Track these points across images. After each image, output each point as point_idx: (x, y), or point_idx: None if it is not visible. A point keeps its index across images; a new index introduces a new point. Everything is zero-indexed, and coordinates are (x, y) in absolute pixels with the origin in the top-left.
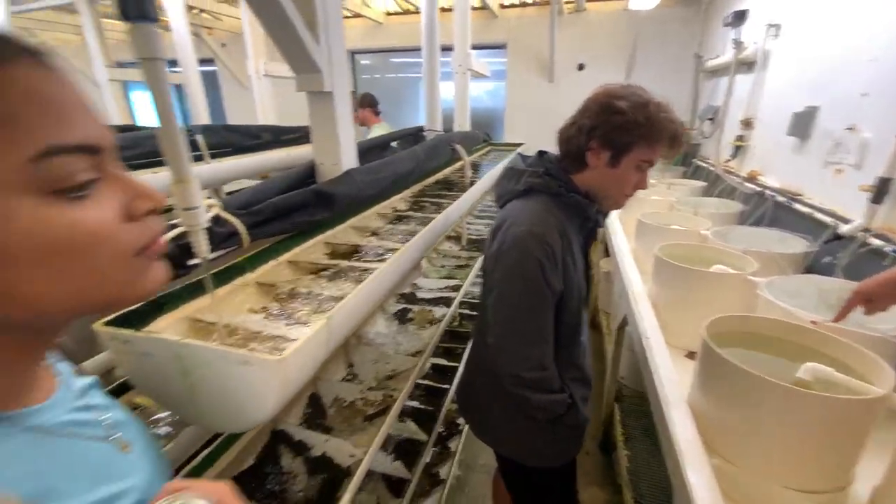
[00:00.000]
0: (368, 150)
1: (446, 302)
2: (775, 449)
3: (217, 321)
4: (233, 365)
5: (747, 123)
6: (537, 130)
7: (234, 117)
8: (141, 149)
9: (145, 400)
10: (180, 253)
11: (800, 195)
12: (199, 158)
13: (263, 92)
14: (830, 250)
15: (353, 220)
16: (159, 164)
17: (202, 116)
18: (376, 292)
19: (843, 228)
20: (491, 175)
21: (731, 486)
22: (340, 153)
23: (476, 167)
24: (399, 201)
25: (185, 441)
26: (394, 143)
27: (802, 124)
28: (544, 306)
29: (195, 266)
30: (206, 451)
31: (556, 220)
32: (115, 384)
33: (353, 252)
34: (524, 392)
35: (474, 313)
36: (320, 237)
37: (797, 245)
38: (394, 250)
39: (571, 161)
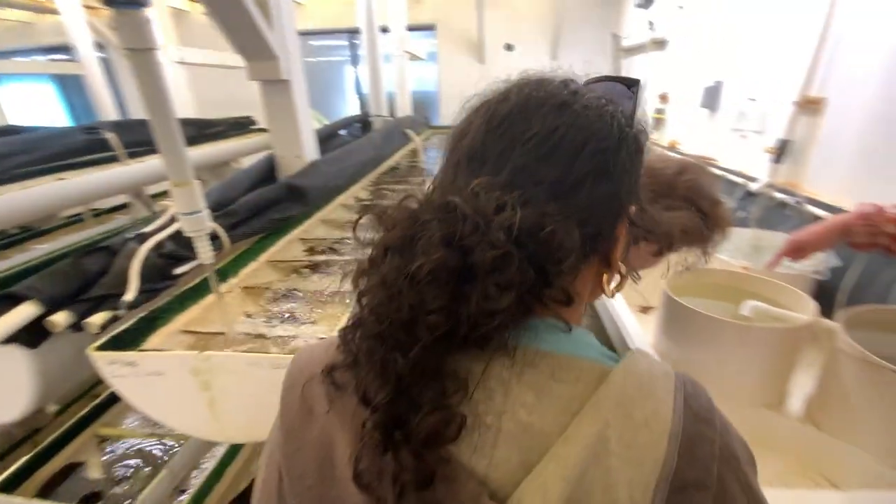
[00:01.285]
0: (320, 141)
1: None
2: (728, 374)
3: (227, 330)
4: (264, 370)
5: (664, 98)
6: None
7: (140, 112)
8: (37, 153)
9: (110, 430)
10: (165, 263)
11: (714, 160)
12: (112, 159)
13: (179, 82)
14: (743, 206)
15: (321, 213)
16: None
17: (109, 111)
18: None
19: (753, 186)
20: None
21: None
22: (302, 144)
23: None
24: (361, 191)
25: (181, 462)
26: (342, 132)
27: (711, 97)
28: None
29: (180, 276)
30: (210, 465)
31: None
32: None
33: (332, 247)
34: None
35: None
36: (294, 233)
37: None
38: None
39: None
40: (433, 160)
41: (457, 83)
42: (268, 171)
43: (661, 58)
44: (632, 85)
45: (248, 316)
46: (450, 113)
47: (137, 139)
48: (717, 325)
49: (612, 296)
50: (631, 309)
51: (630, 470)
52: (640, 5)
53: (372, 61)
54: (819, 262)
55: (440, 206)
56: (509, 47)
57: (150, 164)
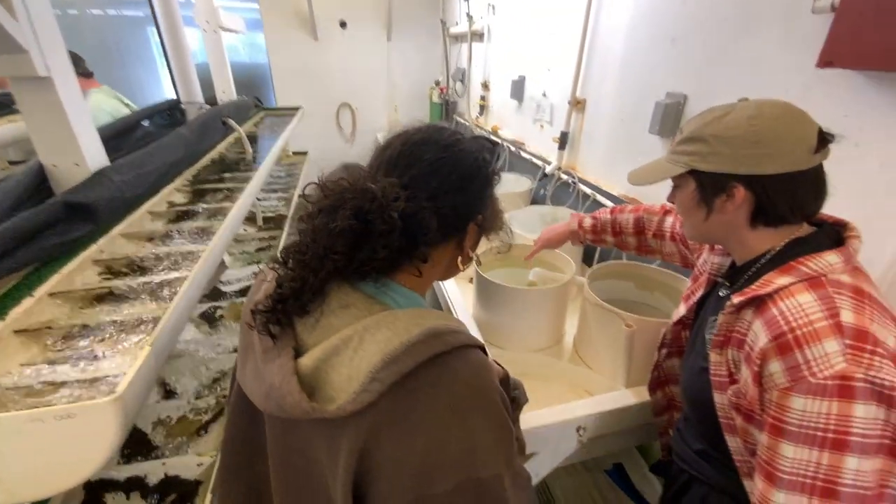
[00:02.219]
0: (114, 136)
1: None
2: (522, 327)
3: None
4: (48, 424)
5: (485, 86)
6: (311, 91)
7: None
8: None
9: None
10: None
11: (523, 144)
12: None
13: None
14: (542, 185)
15: (122, 226)
16: None
17: None
18: (190, 304)
19: (547, 169)
20: (278, 147)
21: (499, 359)
22: (81, 149)
23: (253, 139)
24: (174, 193)
25: None
26: (145, 122)
27: (517, 89)
28: None
29: None
30: None
31: None
32: None
33: (137, 266)
34: None
35: None
36: (86, 254)
37: (525, 183)
38: (194, 254)
39: None
40: (267, 149)
41: (291, 61)
42: (38, 184)
43: (483, 48)
44: (495, 144)
45: (31, 364)
46: (287, 91)
47: None
48: (510, 292)
49: (463, 270)
50: (460, 281)
51: (365, 348)
52: None
53: (173, 40)
54: None
55: (360, 189)
56: (343, 24)
57: None
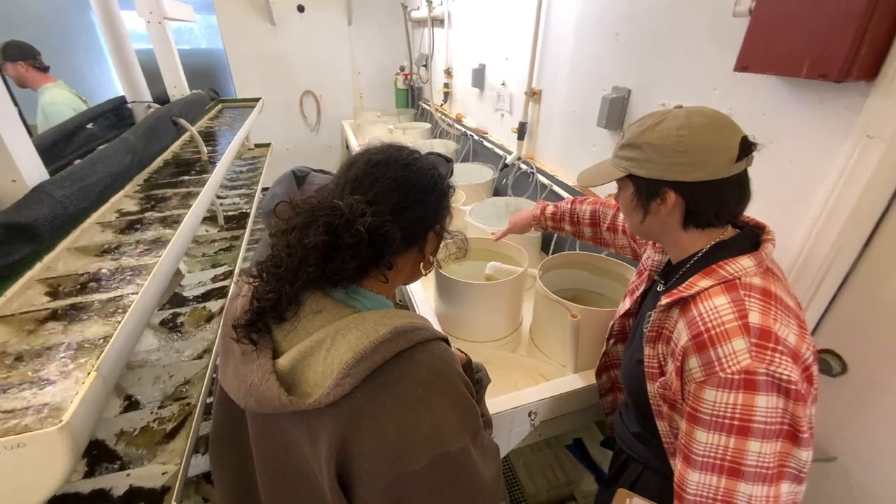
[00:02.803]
0: (55, 143)
1: (220, 292)
2: (481, 319)
3: None
4: (4, 454)
5: (448, 73)
6: (271, 79)
7: None
8: None
9: None
10: None
11: (486, 133)
12: None
13: None
14: (504, 175)
15: (69, 240)
16: None
17: None
18: (143, 320)
19: (508, 159)
20: (236, 143)
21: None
22: (15, 163)
23: (210, 136)
24: (124, 201)
25: None
26: (89, 126)
27: (478, 78)
28: None
29: None
30: None
31: None
32: None
33: (86, 283)
34: None
35: None
36: (30, 274)
37: (488, 174)
38: (147, 267)
39: None
40: (224, 146)
41: (248, 48)
42: None
43: (444, 34)
44: (449, 161)
45: None
46: (246, 78)
47: None
48: (467, 287)
49: (426, 275)
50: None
51: (337, 348)
52: None
53: (112, 36)
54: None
55: (329, 207)
56: (301, 8)
57: None
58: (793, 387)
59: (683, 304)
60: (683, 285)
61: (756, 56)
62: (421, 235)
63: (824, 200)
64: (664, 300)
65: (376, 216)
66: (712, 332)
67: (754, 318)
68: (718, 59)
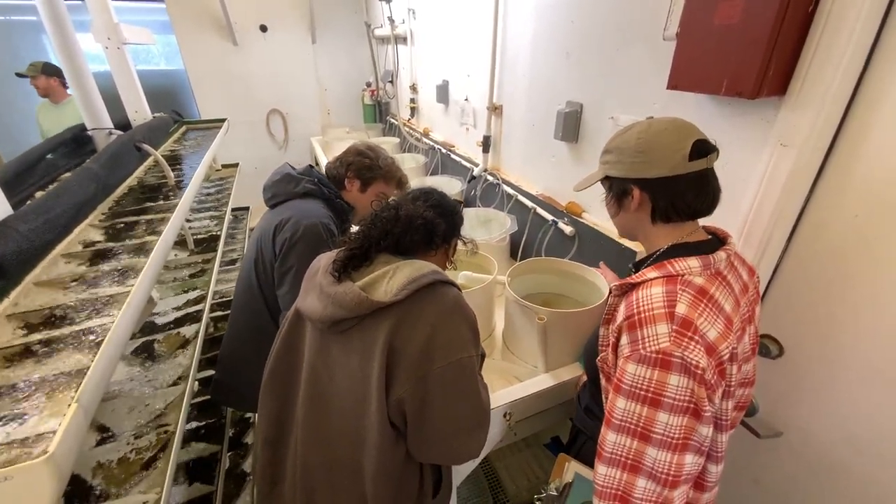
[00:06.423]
0: (17, 175)
1: (193, 317)
2: None
3: None
4: None
5: (414, 88)
6: (235, 99)
7: None
8: None
9: None
10: None
11: (453, 147)
12: None
13: None
14: (472, 186)
15: (34, 274)
16: None
17: None
18: (117, 350)
19: (475, 171)
20: (203, 166)
21: None
22: None
23: (176, 159)
24: (89, 230)
25: None
26: (49, 156)
27: (443, 94)
28: None
29: None
30: None
31: (330, 217)
32: None
33: (57, 316)
34: None
35: (227, 312)
36: None
37: (457, 185)
38: (117, 296)
39: (335, 183)
40: (191, 169)
41: (210, 68)
42: None
43: (408, 51)
44: (459, 202)
45: None
46: (209, 99)
47: None
48: None
49: (447, 268)
50: None
51: (396, 277)
52: None
53: (69, 61)
54: (504, 230)
55: (407, 200)
56: (264, 28)
57: None
58: (700, 372)
59: (628, 290)
60: (636, 275)
61: (683, 76)
62: (449, 238)
63: (751, 201)
64: (614, 284)
65: (429, 212)
66: (643, 314)
67: (681, 308)
68: (656, 77)
